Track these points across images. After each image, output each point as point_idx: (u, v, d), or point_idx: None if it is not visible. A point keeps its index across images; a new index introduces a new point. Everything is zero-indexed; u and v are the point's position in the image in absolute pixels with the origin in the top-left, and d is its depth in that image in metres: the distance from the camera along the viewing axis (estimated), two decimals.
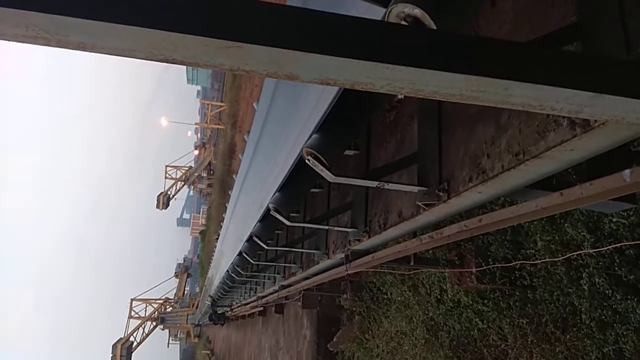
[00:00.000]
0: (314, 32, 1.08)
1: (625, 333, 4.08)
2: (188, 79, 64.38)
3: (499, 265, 4.95)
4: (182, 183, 43.34)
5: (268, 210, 4.10)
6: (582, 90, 1.20)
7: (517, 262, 4.72)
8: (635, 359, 4.03)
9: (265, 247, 5.75)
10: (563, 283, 4.58)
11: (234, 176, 11.26)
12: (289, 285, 8.18)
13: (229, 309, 19.92)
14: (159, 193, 41.60)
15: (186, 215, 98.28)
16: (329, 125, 2.73)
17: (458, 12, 1.61)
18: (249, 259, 7.03)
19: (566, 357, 4.65)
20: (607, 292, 4.13)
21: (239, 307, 17.30)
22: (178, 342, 57.42)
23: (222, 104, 43.71)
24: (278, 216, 3.88)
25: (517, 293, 5.17)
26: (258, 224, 5.31)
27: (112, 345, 36.20)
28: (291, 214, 5.14)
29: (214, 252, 17.99)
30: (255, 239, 5.43)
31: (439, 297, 6.47)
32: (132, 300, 40.45)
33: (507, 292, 5.32)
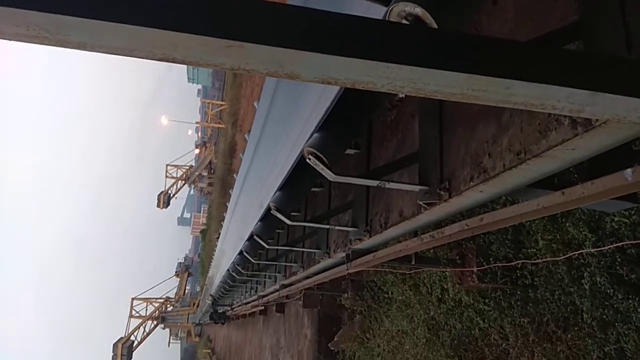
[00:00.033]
0: (315, 31, 1.07)
1: (626, 332, 4.08)
2: (189, 78, 64.39)
3: (500, 264, 4.95)
4: (183, 182, 43.35)
5: (269, 209, 4.09)
6: (583, 89, 1.19)
7: (518, 262, 4.72)
8: (637, 358, 4.03)
9: (266, 246, 5.74)
10: (564, 282, 4.57)
11: (234, 175, 11.26)
12: (290, 285, 8.18)
13: (229, 308, 19.94)
14: (160, 192, 41.62)
15: (187, 214, 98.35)
16: (329, 124, 2.73)
17: (459, 11, 1.61)
18: (250, 258, 7.03)
19: (567, 356, 4.65)
20: (608, 291, 4.12)
21: (239, 306, 17.31)
22: (179, 341, 57.49)
23: (223, 102, 43.71)
24: (279, 215, 3.88)
25: (518, 292, 5.17)
26: (259, 223, 5.31)
27: (113, 345, 36.23)
28: (292, 213, 5.15)
29: (215, 251, 17.99)
30: (256, 238, 5.43)
31: (440, 296, 6.47)
32: (132, 299, 40.49)
33: (508, 291, 5.32)
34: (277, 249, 7.33)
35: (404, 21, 1.52)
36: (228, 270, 10.40)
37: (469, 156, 2.58)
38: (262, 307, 15.22)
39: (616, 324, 4.16)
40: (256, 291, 12.10)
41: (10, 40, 0.98)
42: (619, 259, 4.05)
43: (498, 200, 3.56)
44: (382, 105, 3.54)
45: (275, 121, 4.86)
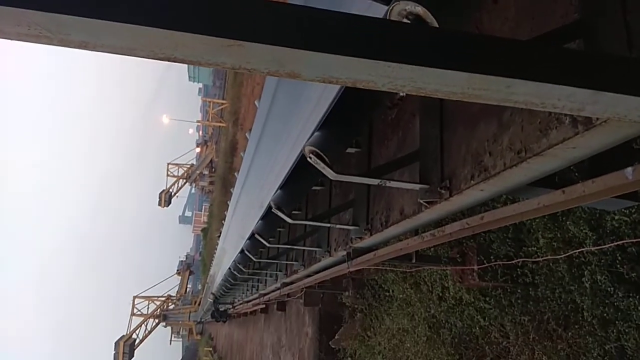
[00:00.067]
0: (315, 31, 1.07)
1: (627, 330, 4.08)
2: (189, 77, 64.30)
3: (500, 262, 4.95)
4: (184, 181, 43.37)
5: (270, 208, 4.10)
6: (583, 88, 1.20)
7: (519, 260, 4.72)
8: (637, 356, 4.03)
9: (267, 245, 5.76)
10: (565, 280, 4.57)
11: (235, 174, 11.26)
12: (291, 283, 8.19)
13: (231, 306, 19.96)
14: (161, 191, 41.64)
15: (188, 213, 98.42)
16: (330, 123, 2.73)
17: (459, 10, 1.61)
18: (251, 256, 7.04)
19: (568, 355, 4.65)
20: (609, 289, 4.12)
21: (241, 304, 17.33)
22: (180, 339, 57.56)
23: (224, 101, 43.69)
24: (280, 214, 3.88)
25: (519, 290, 5.17)
26: (260, 221, 5.32)
27: (115, 343, 36.30)
28: (293, 212, 5.15)
29: (216, 249, 18.01)
30: (257, 236, 5.44)
31: (440, 294, 6.47)
32: (134, 297, 40.57)
33: (509, 290, 5.32)
34: (278, 248, 7.35)
35: (405, 20, 1.53)
36: (229, 268, 10.41)
37: (470, 155, 2.58)
38: (264, 306, 15.24)
39: (617, 322, 4.16)
40: (257, 289, 12.11)
41: (11, 39, 0.99)
42: (619, 257, 4.05)
43: (499, 198, 3.56)
44: (383, 104, 3.55)
45: (276, 120, 4.86)
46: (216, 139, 47.32)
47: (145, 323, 39.34)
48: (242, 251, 7.33)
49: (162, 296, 42.20)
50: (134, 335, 37.80)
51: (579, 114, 1.33)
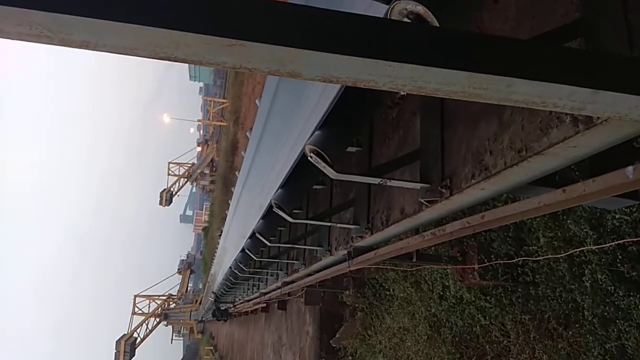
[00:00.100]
0: (316, 30, 1.08)
1: (627, 329, 4.08)
2: (190, 76, 64.29)
3: (501, 261, 4.95)
4: (185, 180, 43.40)
5: (270, 207, 4.10)
6: (584, 87, 1.20)
7: (519, 259, 4.72)
8: (638, 355, 4.03)
9: (268, 244, 5.76)
10: (565, 279, 4.57)
11: (236, 173, 11.27)
12: (292, 282, 8.20)
13: (232, 305, 19.97)
14: (162, 190, 41.66)
15: (189, 212, 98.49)
16: (331, 122, 2.73)
17: (460, 9, 1.61)
18: (252, 255, 7.04)
19: (568, 354, 4.65)
20: (609, 288, 4.12)
21: (241, 303, 17.35)
22: (181, 338, 57.61)
23: (225, 100, 43.70)
24: (280, 213, 3.89)
25: (519, 289, 5.17)
26: (261, 220, 5.32)
27: (116, 341, 36.34)
28: (294, 211, 5.15)
29: (217, 248, 18.02)
30: (258, 235, 5.44)
31: (441, 293, 6.47)
32: (135, 296, 40.62)
33: (509, 289, 5.32)
34: (279, 247, 7.35)
35: (406, 19, 1.53)
36: (230, 267, 10.42)
37: (470, 154, 2.58)
38: (264, 305, 15.25)
39: (617, 321, 4.16)
40: (258, 288, 12.12)
41: (13, 39, 0.99)
42: (620, 257, 4.05)
43: (499, 197, 3.57)
44: (384, 103, 3.55)
45: (277, 119, 4.86)
46: (217, 138, 47.34)
47: (146, 322, 39.40)
48: (243, 250, 7.33)
49: (163, 295, 42.26)
50: (135, 334, 37.85)
51: (580, 113, 1.33)
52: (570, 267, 4.49)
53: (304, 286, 8.29)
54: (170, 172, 42.40)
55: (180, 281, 45.40)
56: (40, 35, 0.98)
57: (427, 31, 1.37)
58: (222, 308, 20.73)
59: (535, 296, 5.00)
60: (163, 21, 0.98)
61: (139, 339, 37.96)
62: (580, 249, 4.08)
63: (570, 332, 4.63)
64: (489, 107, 2.40)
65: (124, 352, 35.53)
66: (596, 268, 4.20)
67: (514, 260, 4.77)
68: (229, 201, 12.13)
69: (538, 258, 4.64)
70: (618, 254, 4.06)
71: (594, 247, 4.02)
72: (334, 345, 9.67)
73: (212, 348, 38.66)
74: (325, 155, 2.62)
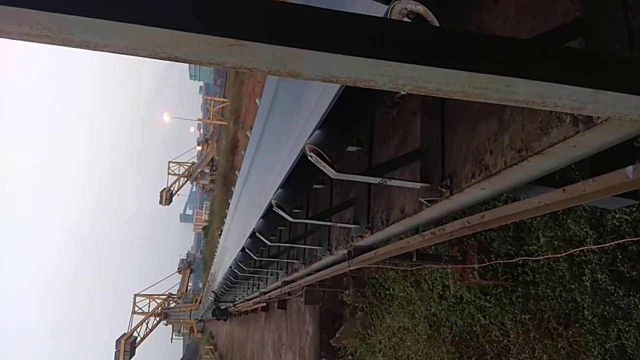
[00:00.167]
0: (316, 30, 1.08)
1: (627, 329, 4.09)
2: (190, 75, 64.30)
3: (501, 261, 4.95)
4: (185, 179, 43.40)
5: (271, 206, 4.10)
6: (584, 87, 1.20)
7: (519, 258, 4.72)
8: (638, 355, 4.03)
9: (268, 243, 5.76)
10: (565, 279, 4.58)
11: (236, 172, 11.27)
12: (292, 281, 8.20)
13: (232, 304, 19.98)
14: (162, 189, 41.66)
15: (189, 211, 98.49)
16: (331, 121, 2.73)
17: (460, 9, 1.61)
18: (252, 255, 7.05)
19: (568, 353, 4.65)
20: (609, 288, 4.13)
21: (241, 302, 17.35)
22: (181, 337, 57.66)
23: (225, 99, 43.69)
24: (280, 212, 3.89)
25: (519, 289, 5.17)
26: (261, 220, 5.32)
27: (116, 341, 36.36)
28: (294, 210, 5.15)
29: (217, 248, 18.03)
30: (258, 235, 5.44)
31: (441, 293, 6.47)
32: (135, 295, 40.65)
33: (509, 288, 5.33)
34: (279, 246, 7.35)
35: (406, 19, 1.53)
36: (230, 266, 10.43)
37: (471, 153, 2.58)
38: (264, 304, 15.25)
39: (617, 320, 4.16)
40: (258, 288, 12.13)
41: (13, 39, 0.99)
42: (620, 256, 4.05)
43: (499, 197, 3.57)
44: (384, 102, 3.55)
45: (277, 118, 4.86)
46: (217, 137, 47.34)
47: (146, 321, 39.43)
48: (243, 249, 7.34)
49: (163, 294, 42.28)
50: (135, 334, 37.88)
51: (580, 113, 1.33)
52: (570, 267, 4.49)
53: (304, 285, 8.29)
54: (170, 171, 42.41)
55: (180, 280, 45.44)
56: (41, 35, 0.99)
57: (427, 31, 1.37)
58: (222, 307, 20.74)
59: (535, 296, 5.00)
60: (164, 21, 0.98)
61: (139, 338, 37.99)
62: (580, 248, 4.09)
63: (570, 332, 4.64)
64: (489, 106, 2.40)
65: (124, 351, 35.56)
66: (596, 268, 4.20)
67: (514, 260, 4.77)
68: (229, 200, 12.13)
69: (538, 258, 4.64)
70: (618, 253, 4.06)
71: (594, 247, 4.02)
72: (334, 345, 9.68)
73: (212, 347, 38.68)
74: (325, 155, 2.62)
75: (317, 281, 7.26)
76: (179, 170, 43.03)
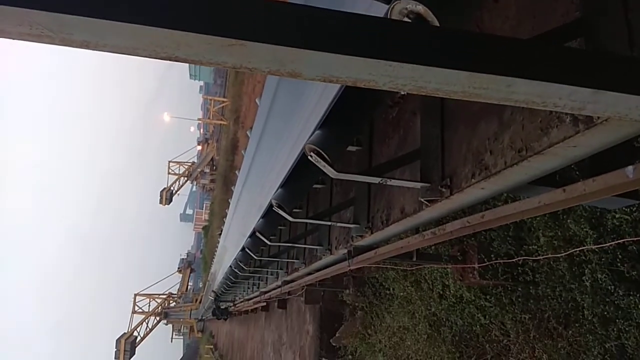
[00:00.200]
0: (316, 30, 1.08)
1: (627, 329, 4.09)
2: (191, 75, 64.31)
3: (501, 261, 4.95)
4: (185, 179, 43.41)
5: (271, 206, 4.10)
6: (585, 87, 1.20)
7: (519, 258, 4.72)
8: (638, 355, 4.04)
9: (268, 243, 5.76)
10: (565, 279, 4.58)
11: (236, 172, 11.27)
12: (292, 281, 8.20)
13: (232, 304, 19.98)
14: (162, 189, 41.66)
15: (189, 211, 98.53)
16: (331, 121, 2.73)
17: (460, 9, 1.61)
18: (252, 254, 7.05)
19: (568, 353, 4.65)
20: (609, 288, 4.13)
21: (242, 302, 17.36)
22: (181, 336, 57.69)
23: (225, 99, 43.70)
24: (281, 212, 3.89)
25: (519, 289, 5.17)
26: (261, 219, 5.32)
27: (116, 340, 36.37)
28: (294, 210, 5.15)
29: (217, 247, 18.04)
30: (258, 234, 5.44)
31: (441, 292, 6.48)
32: (135, 295, 40.66)
33: (509, 288, 5.33)
34: (279, 246, 7.35)
35: (406, 19, 1.53)
36: (230, 266, 10.43)
37: (471, 153, 2.58)
38: (264, 303, 15.26)
39: (617, 320, 4.17)
40: (258, 287, 12.13)
41: (14, 39, 0.99)
42: (620, 256, 4.05)
43: (499, 197, 3.57)
44: (384, 102, 3.55)
45: (277, 118, 4.86)
46: (217, 136, 47.34)
47: (146, 321, 39.45)
48: (243, 249, 7.34)
49: (163, 294, 42.30)
50: (135, 333, 37.90)
51: (580, 113, 1.33)
52: (570, 267, 4.49)
53: (304, 285, 8.29)
54: (170, 171, 42.42)
55: (180, 280, 45.46)
56: (41, 35, 0.99)
57: (427, 31, 1.37)
58: (222, 307, 20.74)
59: (535, 295, 5.00)
60: (164, 21, 0.98)
61: (139, 338, 38.00)
62: (580, 248, 4.09)
63: (570, 332, 4.64)
64: (489, 106, 2.40)
65: (124, 350, 35.57)
66: (596, 267, 4.20)
67: (514, 260, 4.77)
68: (229, 200, 12.14)
69: (538, 257, 4.64)
70: (618, 253, 4.06)
71: (594, 247, 4.02)
72: (334, 344, 9.68)
73: (212, 347, 38.69)
74: (325, 155, 2.62)
75: (317, 281, 7.27)
76: (179, 169, 43.04)
